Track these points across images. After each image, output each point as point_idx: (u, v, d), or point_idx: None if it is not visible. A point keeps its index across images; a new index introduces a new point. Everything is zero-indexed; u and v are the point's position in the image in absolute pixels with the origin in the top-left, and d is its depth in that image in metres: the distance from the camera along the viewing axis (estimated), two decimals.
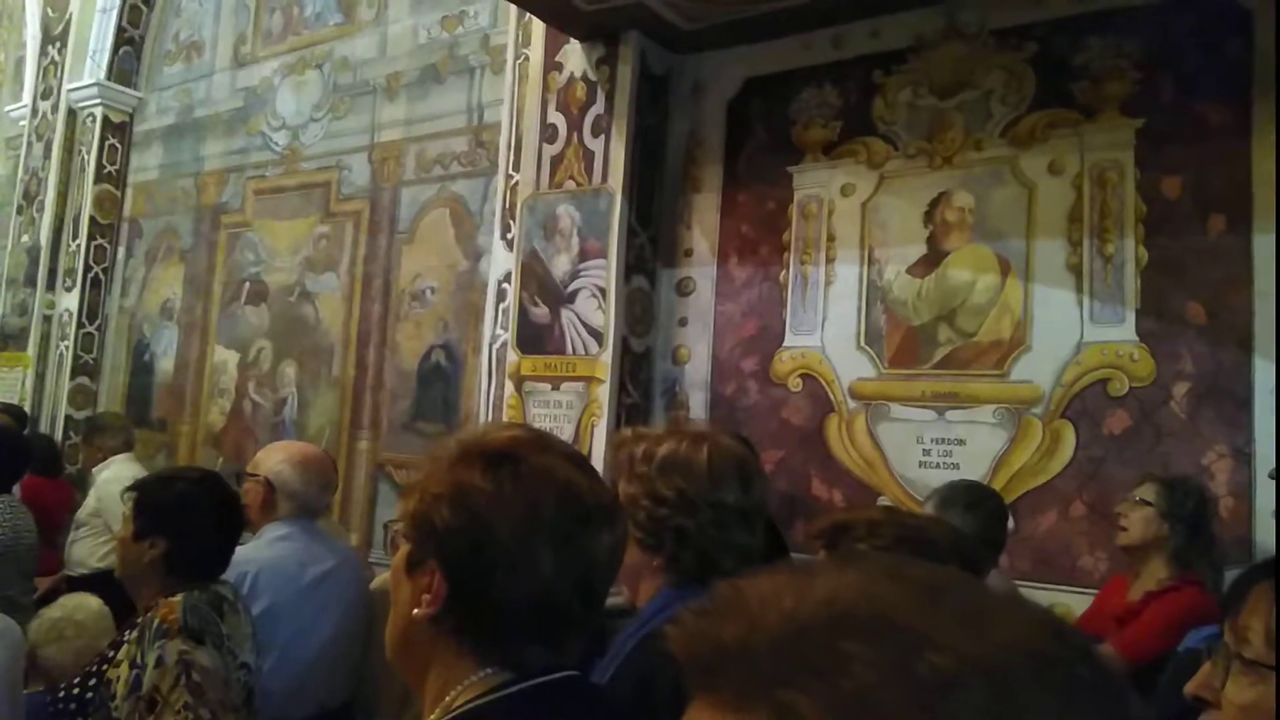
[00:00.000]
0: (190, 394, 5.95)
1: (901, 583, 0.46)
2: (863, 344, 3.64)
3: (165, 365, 6.17)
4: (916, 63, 3.61)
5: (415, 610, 0.99)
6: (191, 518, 1.94)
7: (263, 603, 2.11)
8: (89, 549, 4.16)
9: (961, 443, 3.38)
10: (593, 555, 1.01)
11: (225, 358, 5.77)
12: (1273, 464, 2.67)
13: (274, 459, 2.38)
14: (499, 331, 4.21)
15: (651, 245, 4.05)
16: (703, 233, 4.06)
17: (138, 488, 2.02)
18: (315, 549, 2.33)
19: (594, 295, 3.90)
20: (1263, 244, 2.95)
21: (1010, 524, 3.18)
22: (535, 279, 4.04)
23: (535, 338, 4.01)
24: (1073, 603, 2.99)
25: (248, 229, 5.83)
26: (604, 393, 3.83)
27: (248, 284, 5.74)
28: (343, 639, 2.27)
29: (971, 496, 2.70)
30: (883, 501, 3.49)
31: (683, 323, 4.06)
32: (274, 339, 5.52)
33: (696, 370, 4.00)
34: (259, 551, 2.25)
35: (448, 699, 0.97)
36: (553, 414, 3.92)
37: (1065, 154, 3.28)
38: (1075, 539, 3.14)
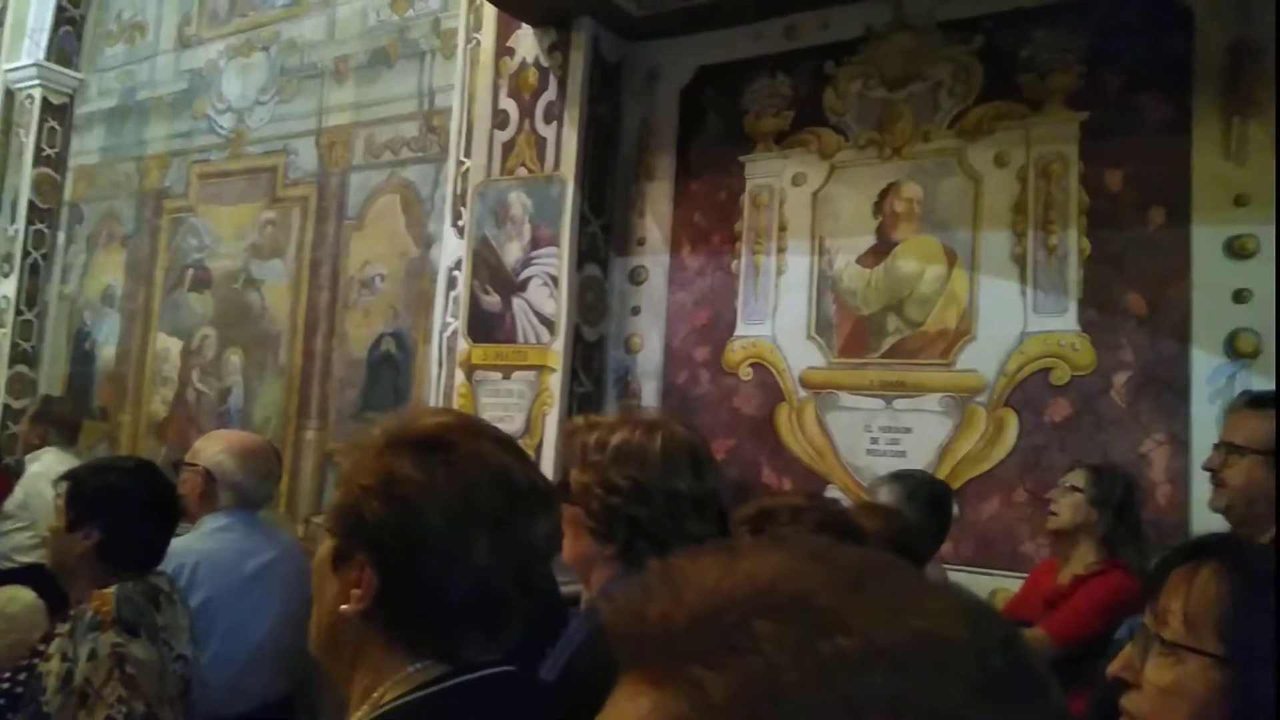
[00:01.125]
0: (132, 383, 5.82)
1: (824, 565, 0.46)
2: (813, 333, 3.66)
3: (106, 353, 6.02)
4: (867, 54, 3.63)
5: (344, 606, 0.95)
6: (126, 508, 1.90)
7: (201, 594, 2.07)
8: (17, 542, 4.05)
9: (908, 431, 3.42)
10: (529, 541, 0.99)
11: (168, 346, 5.65)
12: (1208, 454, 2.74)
13: (214, 448, 2.33)
14: (449, 320, 4.17)
15: (604, 233, 4.04)
16: (655, 221, 4.06)
17: (70, 477, 1.97)
18: (256, 540, 2.28)
19: (546, 283, 3.87)
20: (1201, 235, 3.02)
21: (955, 511, 3.24)
22: (486, 267, 4.00)
23: (486, 326, 3.98)
24: (1014, 587, 3.04)
25: (192, 214, 5.70)
26: (556, 382, 3.82)
27: (191, 270, 5.62)
28: (284, 631, 2.23)
29: (913, 485, 2.74)
30: (831, 489, 3.53)
31: (635, 311, 4.05)
32: (218, 327, 5.41)
33: (649, 359, 4.00)
34: (198, 542, 2.21)
35: (376, 695, 0.95)
36: (504, 403, 3.89)
37: (1011, 146, 3.33)
38: (1017, 525, 3.19)
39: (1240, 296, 2.95)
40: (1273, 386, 2.64)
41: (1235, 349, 2.94)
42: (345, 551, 0.97)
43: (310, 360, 4.94)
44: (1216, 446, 2.19)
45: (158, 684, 1.84)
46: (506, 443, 1.04)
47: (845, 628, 0.42)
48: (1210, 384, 2.94)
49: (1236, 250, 2.97)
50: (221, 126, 5.63)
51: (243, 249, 5.37)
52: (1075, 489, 2.71)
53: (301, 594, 2.37)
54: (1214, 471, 2.16)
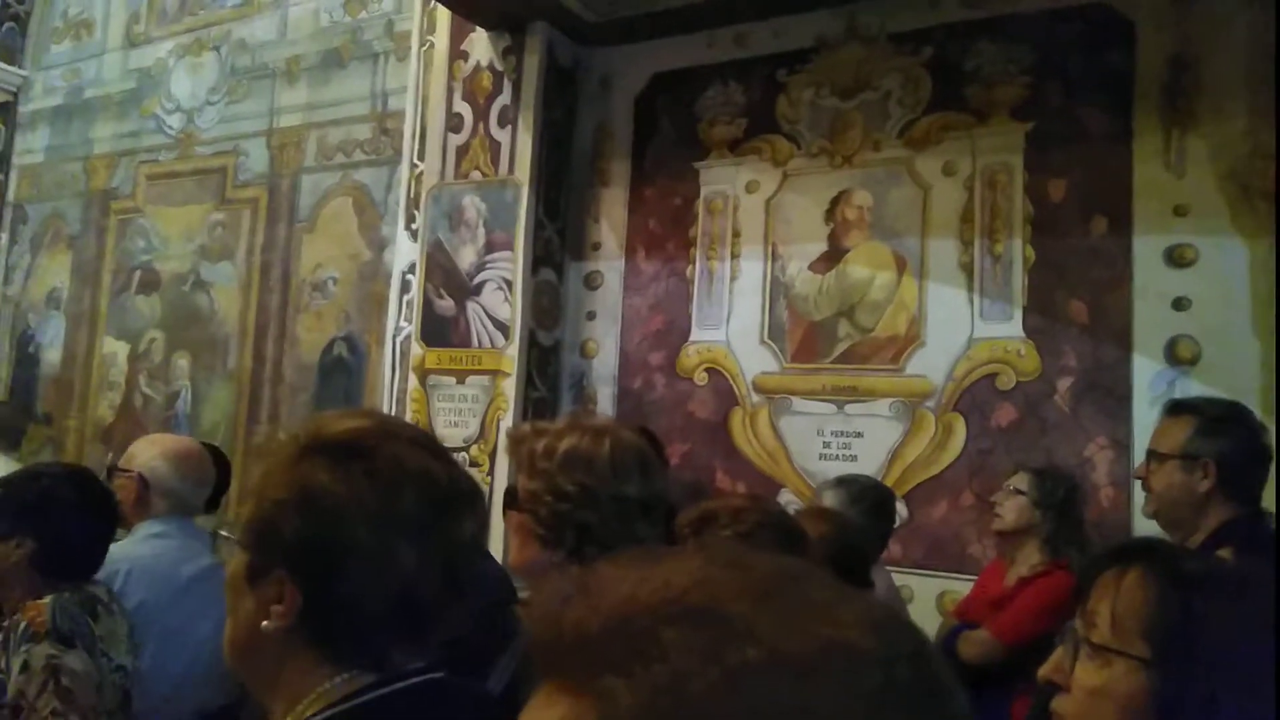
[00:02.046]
0: (78, 387, 5.69)
1: (738, 573, 0.47)
2: (766, 339, 3.69)
3: (51, 357, 5.88)
4: (818, 63, 3.68)
5: (265, 623, 0.91)
6: (60, 515, 1.85)
7: (134, 600, 2.02)
8: None
9: (859, 435, 3.46)
10: (456, 542, 0.96)
11: (115, 349, 5.54)
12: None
13: (148, 453, 2.27)
14: (403, 324, 4.14)
15: (559, 238, 4.03)
16: (611, 227, 4.06)
17: (1, 485, 1.92)
18: (193, 546, 2.24)
19: (500, 288, 3.86)
20: (1142, 245, 3.09)
21: (904, 514, 3.29)
22: (440, 270, 3.98)
23: (440, 330, 3.96)
24: (963, 589, 3.08)
25: (139, 215, 5.60)
26: (510, 386, 3.80)
27: (139, 273, 5.52)
28: (222, 641, 2.19)
29: (858, 489, 2.77)
30: (784, 493, 3.55)
31: (590, 316, 4.05)
32: (166, 330, 5.32)
33: (604, 364, 4.00)
34: (131, 548, 2.16)
35: (300, 708, 0.91)
36: (457, 408, 3.87)
37: (958, 156, 3.39)
38: (965, 528, 3.24)
39: (1180, 304, 3.02)
40: (1211, 392, 2.72)
41: (1175, 355, 3.01)
42: (261, 567, 0.93)
43: (261, 364, 4.88)
44: (1146, 455, 2.24)
45: (95, 696, 1.79)
46: (425, 442, 1.00)
47: (752, 636, 0.42)
48: (1151, 389, 3.01)
49: (1176, 259, 3.05)
50: (170, 126, 5.54)
51: (191, 251, 5.29)
52: (1019, 491, 2.76)
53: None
54: (1143, 479, 2.21)
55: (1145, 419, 2.95)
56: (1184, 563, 1.03)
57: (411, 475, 0.94)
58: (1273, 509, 2.37)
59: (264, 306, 4.92)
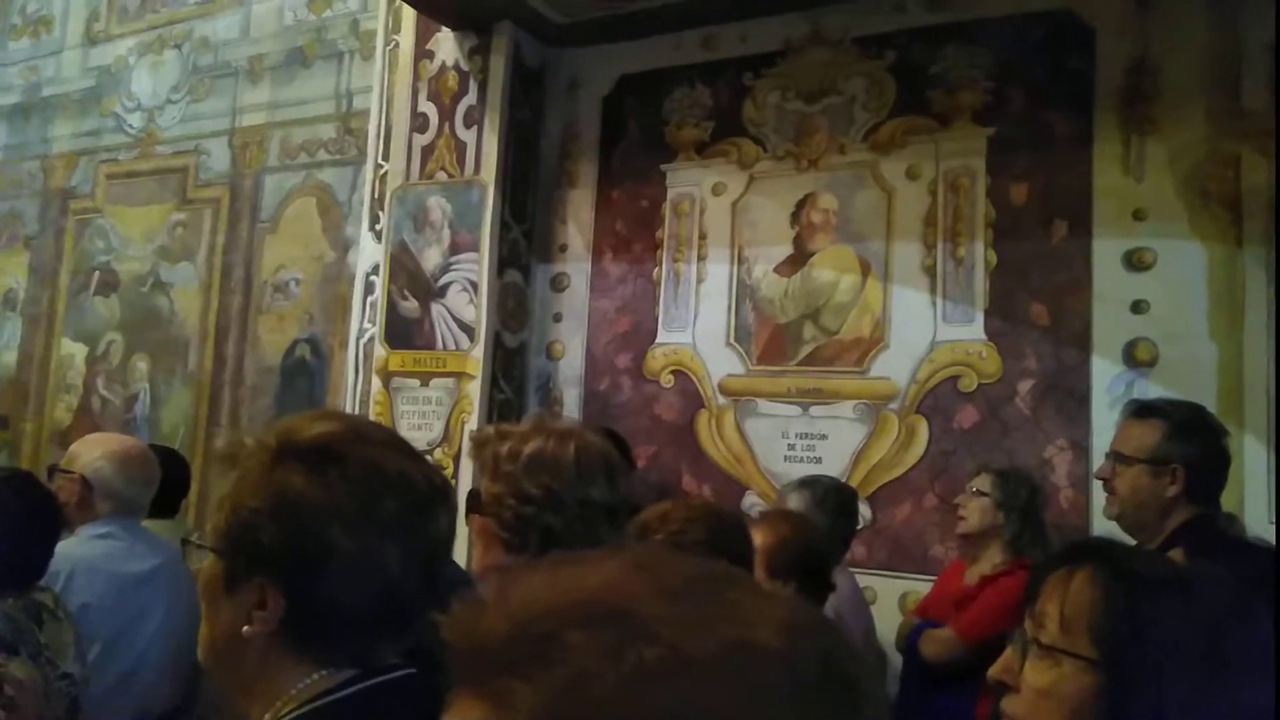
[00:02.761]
0: (35, 389, 5.58)
1: (648, 575, 0.47)
2: (732, 341, 3.69)
3: (7, 359, 5.76)
4: (784, 67, 3.69)
5: (246, 629, 0.92)
6: (1, 522, 1.80)
7: (77, 603, 1.98)
8: None
9: (824, 437, 3.47)
10: (434, 539, 0.98)
11: (73, 351, 5.44)
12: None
13: (92, 454, 2.23)
14: (366, 325, 4.10)
15: (526, 240, 4.01)
16: (578, 228, 4.05)
17: None
18: (138, 548, 2.19)
19: (465, 289, 3.83)
20: (1101, 248, 3.13)
21: (868, 515, 3.30)
22: (405, 272, 3.94)
23: (404, 332, 3.92)
24: (925, 590, 3.10)
25: (98, 215, 5.50)
26: (475, 389, 3.77)
27: (97, 273, 5.42)
28: (169, 642, 2.15)
29: (821, 491, 2.78)
30: (749, 495, 3.56)
31: (557, 318, 4.04)
32: (125, 331, 5.23)
33: (571, 366, 3.99)
34: (74, 550, 2.11)
35: (278, 704, 0.92)
36: (421, 410, 3.84)
37: (922, 160, 3.41)
38: (928, 529, 3.26)
39: (1138, 307, 3.06)
40: (1169, 394, 2.75)
41: (1134, 358, 3.05)
42: (239, 574, 0.93)
43: (221, 366, 4.81)
44: (1107, 455, 2.26)
45: (41, 704, 1.76)
46: (396, 443, 1.01)
47: (654, 637, 0.42)
48: (1110, 392, 3.05)
49: (1135, 263, 3.09)
50: (131, 125, 5.45)
51: (151, 251, 5.20)
52: (982, 493, 2.78)
53: (188, 604, 2.30)
54: (1106, 480, 2.22)
55: (1104, 421, 2.98)
56: (1132, 564, 1.03)
57: (389, 477, 0.95)
58: (1229, 510, 2.42)
59: (225, 308, 4.85)
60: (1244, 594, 1.03)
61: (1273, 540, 2.56)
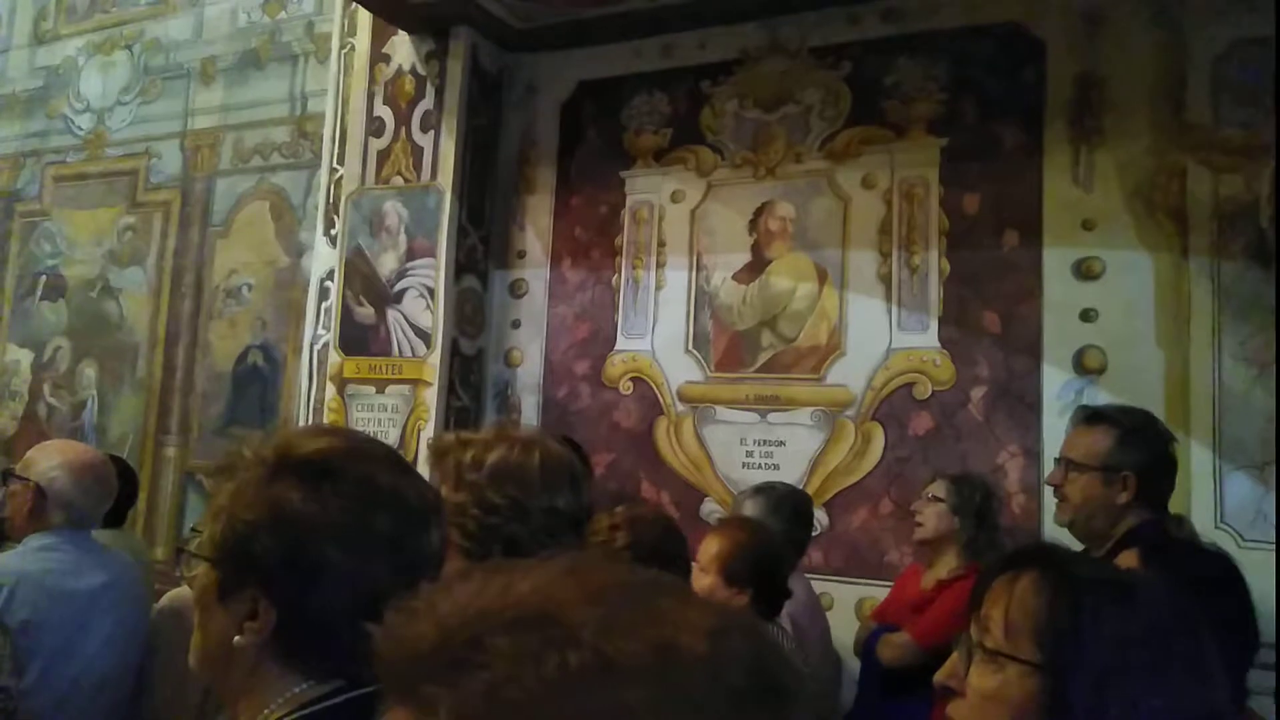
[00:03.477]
0: None
1: (575, 580, 0.47)
2: (691, 348, 3.70)
3: None
4: (741, 75, 3.71)
5: (237, 639, 0.93)
6: None
7: (19, 618, 1.92)
8: None
9: (781, 444, 3.48)
10: (424, 556, 0.99)
11: (18, 357, 5.31)
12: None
13: (47, 462, 2.16)
14: (321, 332, 4.04)
15: (483, 245, 3.99)
16: (536, 234, 4.03)
17: None
18: (86, 561, 2.13)
19: (422, 295, 3.80)
20: (1051, 257, 3.18)
21: (825, 522, 3.32)
22: (360, 277, 3.90)
23: (359, 339, 3.88)
24: (881, 595, 3.12)
25: (45, 218, 5.39)
26: (431, 396, 3.74)
27: (44, 277, 5.31)
28: (114, 661, 2.09)
29: (776, 497, 2.79)
30: (708, 502, 3.56)
31: (515, 325, 4.01)
32: (73, 337, 5.12)
33: (529, 373, 3.97)
34: (20, 562, 2.05)
35: (265, 713, 0.94)
36: (377, 418, 3.79)
37: (877, 169, 3.44)
38: (883, 535, 3.29)
39: (1087, 316, 3.11)
40: (1116, 401, 2.80)
41: (1083, 365, 3.10)
42: (233, 585, 0.95)
43: (171, 373, 4.72)
44: (1057, 461, 2.28)
45: None
46: (393, 460, 1.03)
47: (576, 642, 0.42)
48: (1060, 399, 3.10)
49: (1084, 272, 3.14)
50: (79, 127, 5.35)
51: (100, 256, 5.11)
52: (937, 499, 2.80)
53: (136, 621, 2.25)
54: (1056, 486, 2.24)
55: (1054, 427, 3.03)
56: (1075, 568, 1.04)
57: (382, 494, 0.97)
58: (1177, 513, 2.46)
59: (175, 313, 4.76)
60: (1186, 597, 1.04)
61: (1220, 544, 2.61)
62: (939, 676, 1.06)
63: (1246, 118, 3.00)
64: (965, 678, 1.02)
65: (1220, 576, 1.60)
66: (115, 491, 2.36)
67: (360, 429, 3.71)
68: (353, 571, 0.93)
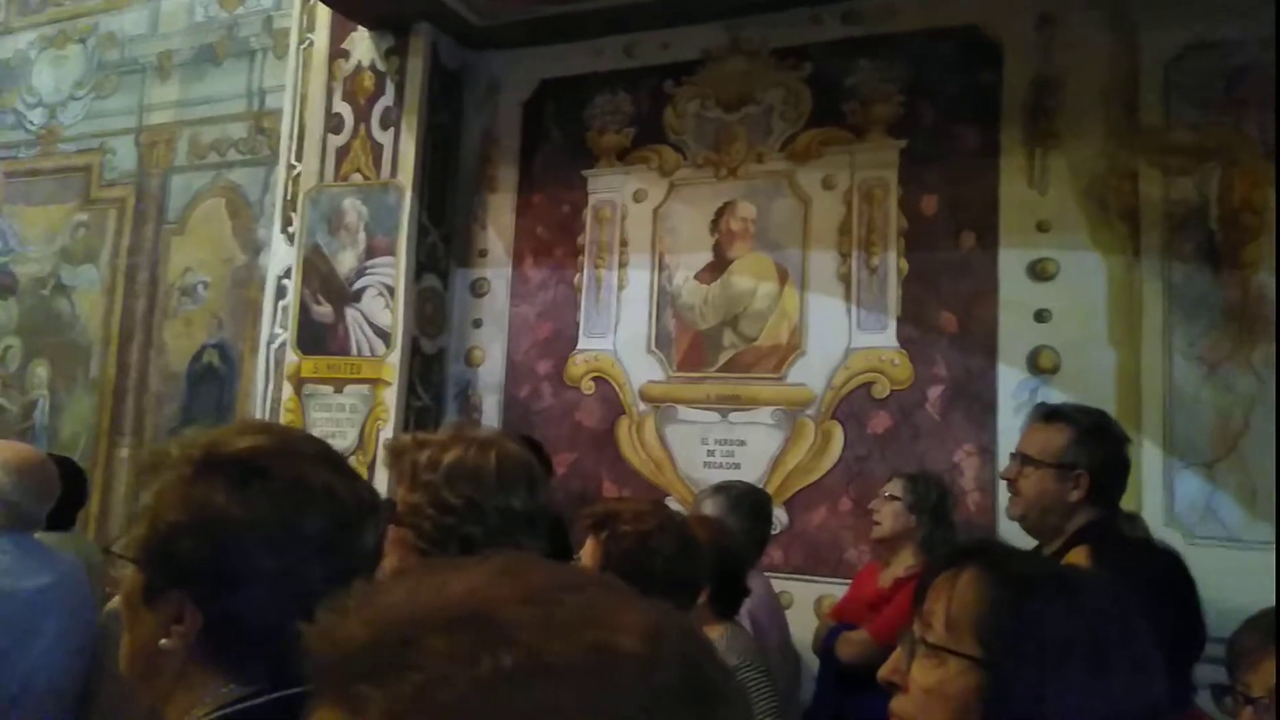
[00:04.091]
0: None
1: (511, 580, 0.46)
2: (653, 347, 3.70)
3: None
4: (704, 75, 3.72)
5: (164, 641, 0.91)
6: None
7: None
8: None
9: (742, 443, 3.49)
10: (359, 556, 0.97)
11: None
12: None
13: None
14: (278, 330, 4.00)
15: (444, 244, 3.96)
16: (498, 233, 4.01)
17: None
18: (29, 563, 2.09)
19: (381, 294, 3.77)
20: (1007, 258, 3.22)
21: (785, 520, 3.33)
22: (318, 275, 3.86)
23: (317, 338, 3.83)
24: (840, 594, 3.14)
25: None
26: (391, 395, 3.71)
27: None
28: (63, 663, 2.05)
29: (736, 495, 2.80)
30: (669, 501, 3.56)
31: (477, 324, 3.99)
32: (24, 336, 5.02)
33: (490, 372, 3.94)
34: None
35: (192, 714, 0.91)
36: (335, 418, 3.75)
37: (837, 170, 3.47)
38: (842, 533, 3.31)
39: (1041, 316, 3.16)
40: (1069, 400, 2.84)
41: (1037, 365, 3.14)
42: (158, 588, 0.92)
43: (125, 373, 4.64)
44: (1012, 456, 2.31)
45: None
46: (327, 457, 1.00)
47: (511, 642, 0.42)
48: (1015, 397, 3.14)
49: (1039, 273, 3.18)
50: (31, 122, 5.25)
51: (52, 253, 5.01)
52: (894, 497, 2.83)
53: (84, 623, 2.20)
54: (1010, 481, 2.27)
55: (1009, 425, 3.07)
56: (1015, 564, 1.05)
57: (314, 494, 0.94)
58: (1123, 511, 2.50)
59: (129, 312, 4.68)
60: (1127, 593, 1.05)
61: (1170, 541, 2.65)
62: (883, 672, 1.06)
63: (1197, 121, 3.05)
64: (908, 673, 1.03)
65: (1167, 574, 1.62)
66: (57, 492, 2.31)
67: (318, 429, 3.68)
68: (281, 574, 0.91)
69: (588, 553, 1.78)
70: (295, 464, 0.95)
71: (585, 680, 0.42)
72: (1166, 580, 1.64)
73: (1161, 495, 2.96)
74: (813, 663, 2.99)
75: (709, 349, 3.60)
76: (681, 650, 0.45)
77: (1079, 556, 1.88)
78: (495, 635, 0.42)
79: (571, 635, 0.43)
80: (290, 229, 4.01)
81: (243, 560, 0.90)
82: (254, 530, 0.90)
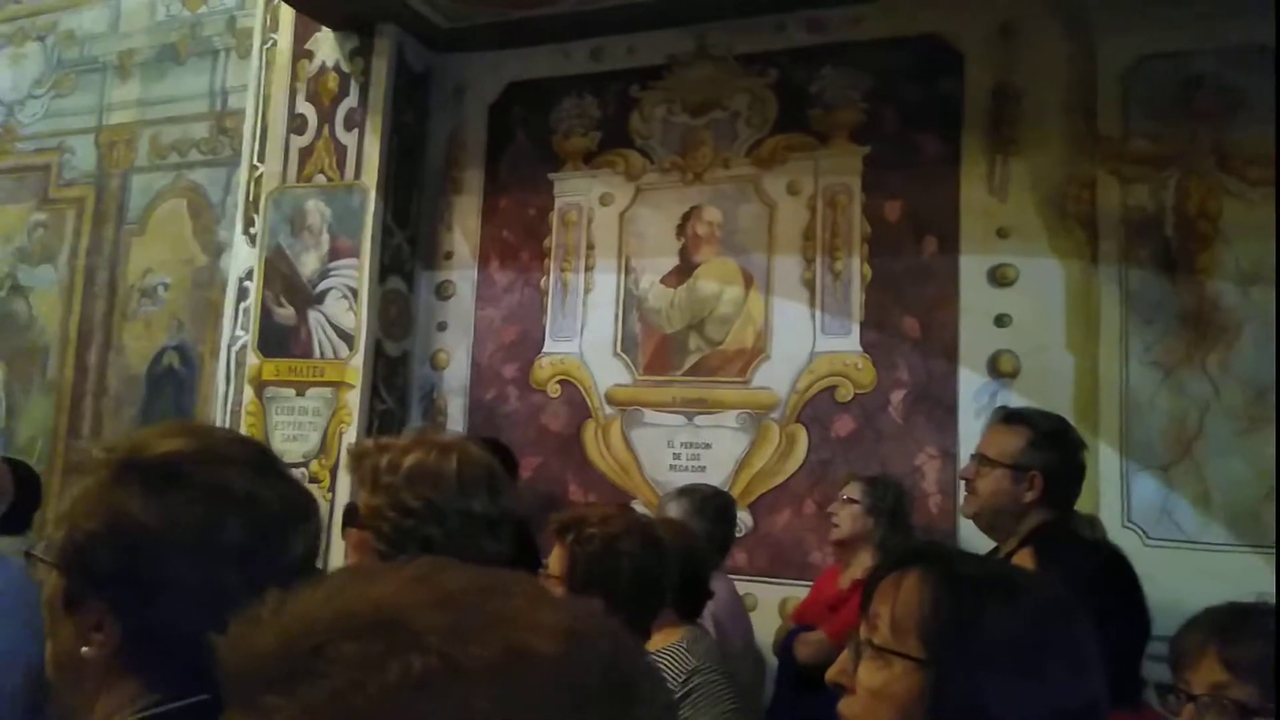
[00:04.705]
0: None
1: (426, 586, 0.46)
2: (619, 351, 3.70)
3: None
4: (670, 80, 3.73)
5: (84, 650, 0.88)
6: None
7: None
8: None
9: (708, 446, 3.50)
10: (285, 563, 0.93)
11: None
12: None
13: None
14: (239, 333, 3.95)
15: (410, 246, 3.94)
16: (464, 235, 3.99)
17: None
18: None
19: (345, 296, 3.74)
20: (968, 264, 3.26)
21: (749, 523, 3.35)
22: (280, 277, 3.82)
23: (279, 340, 3.79)
24: (804, 595, 3.15)
25: None
26: (354, 398, 3.68)
27: None
28: (14, 668, 2.02)
29: (700, 498, 2.81)
30: (635, 504, 3.56)
31: (442, 327, 3.97)
32: None
33: (456, 376, 3.92)
34: None
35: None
36: (297, 421, 3.72)
37: (802, 176, 3.49)
38: (806, 535, 3.33)
39: (1001, 321, 3.20)
40: (1028, 404, 2.87)
41: (997, 369, 3.18)
42: (77, 595, 0.90)
43: (83, 375, 4.58)
44: (972, 457, 2.35)
45: None
46: (253, 460, 0.97)
47: (422, 647, 0.41)
48: (975, 401, 3.17)
49: (999, 278, 3.22)
50: None
51: (9, 253, 4.94)
52: (852, 500, 2.85)
53: (34, 629, 2.16)
54: (968, 480, 2.31)
55: (970, 429, 3.10)
56: (959, 565, 1.06)
57: (236, 502, 0.91)
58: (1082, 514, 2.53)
59: (88, 313, 4.62)
60: (1068, 593, 1.07)
61: (1127, 543, 2.69)
62: (830, 674, 1.07)
63: (1155, 130, 3.10)
64: (855, 674, 1.03)
65: (1108, 571, 1.65)
66: (9, 496, 2.27)
67: (280, 432, 3.65)
68: (200, 583, 0.88)
69: (555, 558, 1.79)
70: (217, 469, 0.92)
71: (499, 683, 0.41)
72: (1108, 577, 1.67)
73: (1119, 498, 3.00)
74: (775, 664, 3.01)
75: (675, 353, 3.61)
76: (601, 650, 0.45)
77: (1024, 558, 1.92)
78: (406, 641, 0.42)
79: (485, 638, 0.43)
80: (252, 230, 3.97)
81: (159, 570, 0.87)
82: (170, 539, 0.88)
